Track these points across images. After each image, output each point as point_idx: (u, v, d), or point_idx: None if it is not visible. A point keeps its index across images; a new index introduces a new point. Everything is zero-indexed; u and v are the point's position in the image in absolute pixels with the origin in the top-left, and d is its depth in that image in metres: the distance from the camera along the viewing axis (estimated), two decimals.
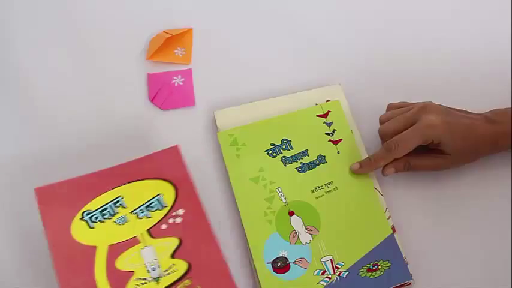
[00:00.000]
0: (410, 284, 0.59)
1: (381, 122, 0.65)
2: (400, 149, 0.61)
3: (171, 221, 0.57)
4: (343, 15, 0.76)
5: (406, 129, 0.61)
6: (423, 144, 0.61)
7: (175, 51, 0.70)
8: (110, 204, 0.57)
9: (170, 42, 0.69)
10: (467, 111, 0.64)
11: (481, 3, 0.76)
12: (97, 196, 0.57)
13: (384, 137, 0.63)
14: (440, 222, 0.63)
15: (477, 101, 0.66)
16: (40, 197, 0.55)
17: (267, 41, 0.74)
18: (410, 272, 0.59)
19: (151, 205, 0.58)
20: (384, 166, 0.63)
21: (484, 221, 0.63)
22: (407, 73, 0.71)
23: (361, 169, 0.63)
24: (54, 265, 0.53)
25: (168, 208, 0.58)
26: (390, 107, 0.66)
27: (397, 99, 0.67)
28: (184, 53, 0.70)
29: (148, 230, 0.56)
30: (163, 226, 0.57)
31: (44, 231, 0.54)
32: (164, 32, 0.70)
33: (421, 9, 0.77)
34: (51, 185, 0.57)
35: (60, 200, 0.56)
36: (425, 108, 0.61)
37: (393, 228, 0.62)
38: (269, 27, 0.75)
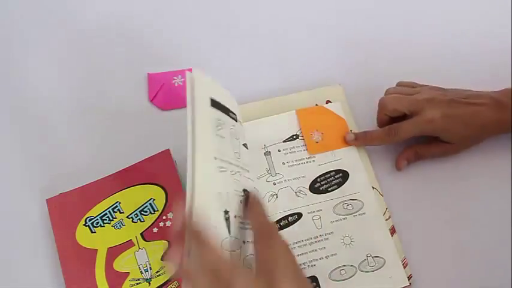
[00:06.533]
0: (409, 285, 0.57)
1: (386, 94, 0.64)
2: (398, 137, 0.62)
3: (161, 224, 0.60)
4: (343, 15, 0.73)
5: (404, 112, 0.61)
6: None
7: None
8: (109, 209, 0.61)
9: None
10: (475, 94, 0.61)
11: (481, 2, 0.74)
12: (98, 203, 0.61)
13: (382, 108, 0.63)
14: (441, 222, 0.60)
15: None
16: (50, 207, 0.61)
17: (267, 41, 0.72)
18: (410, 272, 0.58)
19: (144, 209, 0.61)
20: (397, 160, 0.64)
21: (484, 220, 0.60)
22: (408, 73, 0.67)
23: (355, 141, 0.64)
24: (61, 266, 0.58)
25: (159, 212, 0.61)
26: (400, 84, 0.66)
27: None
28: None
29: (142, 234, 0.60)
30: (155, 229, 0.60)
31: (53, 236, 0.60)
32: None
33: (421, 9, 0.74)
34: (59, 196, 0.62)
35: (67, 208, 0.61)
36: (430, 102, 0.61)
37: (393, 228, 0.60)
38: (269, 27, 0.73)
